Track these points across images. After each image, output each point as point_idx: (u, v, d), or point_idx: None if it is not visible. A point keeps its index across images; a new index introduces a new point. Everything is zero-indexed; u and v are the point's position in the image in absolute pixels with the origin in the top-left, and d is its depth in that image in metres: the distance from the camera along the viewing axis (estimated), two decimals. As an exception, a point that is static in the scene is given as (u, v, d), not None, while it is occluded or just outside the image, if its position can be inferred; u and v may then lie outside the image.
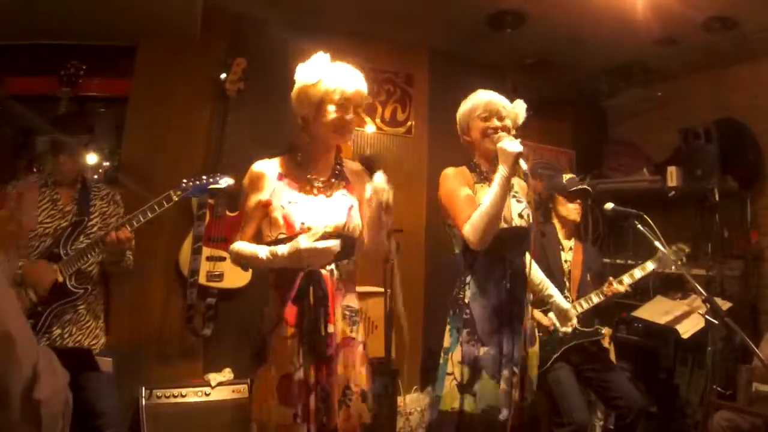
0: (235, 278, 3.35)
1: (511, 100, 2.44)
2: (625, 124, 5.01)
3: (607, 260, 4.39)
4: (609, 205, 2.82)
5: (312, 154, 2.06)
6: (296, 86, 2.03)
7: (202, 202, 3.26)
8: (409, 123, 4.23)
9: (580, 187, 3.32)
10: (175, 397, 3.10)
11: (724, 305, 3.28)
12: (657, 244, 2.51)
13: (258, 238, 2.02)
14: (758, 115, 3.98)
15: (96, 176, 3.31)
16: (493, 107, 2.34)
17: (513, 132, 2.33)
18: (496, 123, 2.32)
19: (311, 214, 1.94)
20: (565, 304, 2.60)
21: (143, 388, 3.03)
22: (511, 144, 2.14)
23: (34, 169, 3.33)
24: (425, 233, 4.15)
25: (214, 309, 3.35)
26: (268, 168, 2.03)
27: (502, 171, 2.13)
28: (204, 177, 2.62)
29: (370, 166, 2.02)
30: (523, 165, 2.13)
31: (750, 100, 4.07)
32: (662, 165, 4.22)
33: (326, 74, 1.97)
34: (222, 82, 3.43)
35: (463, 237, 2.21)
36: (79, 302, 2.55)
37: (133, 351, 3.25)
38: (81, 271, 2.54)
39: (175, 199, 2.56)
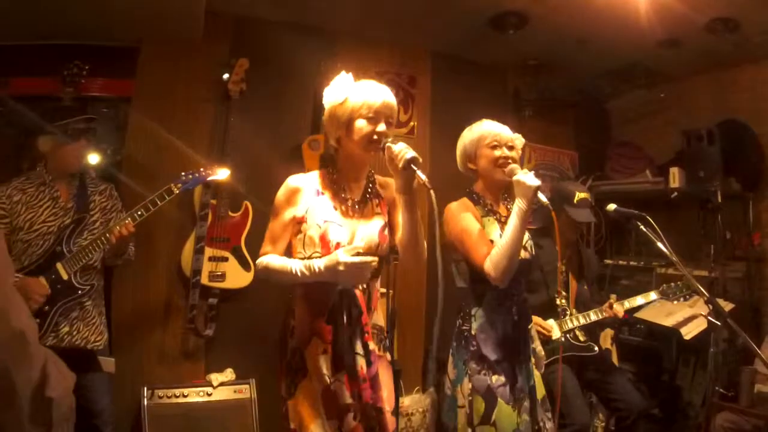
0: (237, 279, 3.36)
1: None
2: (628, 125, 5.01)
3: (609, 261, 4.40)
4: (612, 207, 2.81)
5: (346, 174, 2.04)
6: (326, 110, 2.00)
7: (204, 202, 3.27)
8: (412, 123, 4.23)
9: (585, 219, 3.16)
10: (177, 397, 3.10)
11: (727, 307, 3.28)
12: (659, 245, 2.51)
13: (288, 254, 1.99)
14: (761, 117, 3.97)
15: (93, 173, 3.32)
16: (502, 137, 2.33)
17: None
18: (506, 152, 2.31)
19: (346, 235, 1.92)
20: (541, 352, 2.59)
21: (145, 388, 3.04)
22: (529, 177, 2.12)
23: (38, 168, 3.34)
24: (428, 233, 4.15)
25: (216, 309, 3.35)
26: (305, 183, 1.99)
27: (520, 204, 2.11)
28: (202, 169, 2.73)
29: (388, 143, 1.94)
30: (543, 198, 2.12)
31: (753, 101, 4.06)
32: (665, 166, 4.23)
33: (351, 92, 1.94)
34: (224, 83, 3.44)
35: (475, 271, 2.22)
36: (84, 299, 2.56)
37: (135, 351, 3.26)
38: (86, 267, 2.56)
39: (176, 191, 2.65)
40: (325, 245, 1.90)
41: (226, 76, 3.44)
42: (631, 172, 4.47)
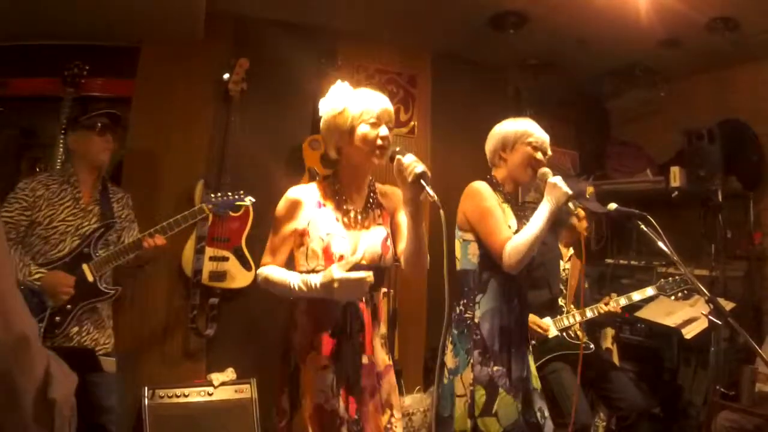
0: (238, 278, 3.36)
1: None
2: (628, 125, 5.00)
3: (610, 261, 4.39)
4: (612, 206, 2.81)
5: (348, 183, 2.02)
6: (323, 120, 1.98)
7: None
8: (412, 123, 4.23)
9: (602, 210, 3.21)
10: (177, 397, 3.10)
11: (727, 306, 3.27)
12: (660, 244, 2.50)
13: (289, 266, 1.97)
14: (761, 117, 3.97)
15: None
16: (543, 143, 2.36)
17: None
18: (541, 156, 2.34)
19: (349, 247, 1.90)
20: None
21: (146, 388, 3.04)
22: (564, 184, 2.17)
23: (37, 169, 3.35)
24: (427, 232, 4.15)
25: (217, 309, 3.35)
26: (305, 195, 1.97)
27: (550, 204, 2.15)
28: (229, 194, 2.81)
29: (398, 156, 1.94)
30: (572, 207, 2.16)
31: (753, 101, 4.06)
32: (665, 166, 4.22)
33: (350, 100, 1.93)
34: (225, 83, 3.45)
35: (486, 255, 2.23)
36: (100, 302, 2.58)
37: (137, 351, 3.26)
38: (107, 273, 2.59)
39: (207, 212, 2.74)
40: (329, 258, 1.87)
41: (226, 76, 3.44)
42: (631, 171, 4.47)
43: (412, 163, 1.77)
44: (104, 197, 2.67)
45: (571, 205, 2.15)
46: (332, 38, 3.90)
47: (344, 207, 1.97)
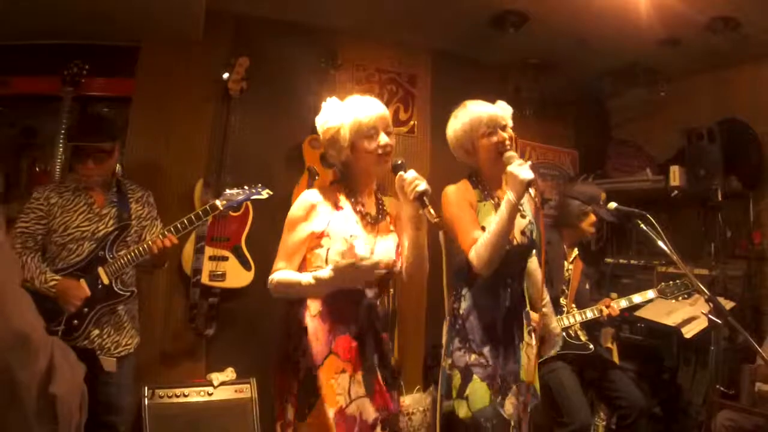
0: (238, 278, 3.36)
1: (513, 103, 2.37)
2: (628, 124, 5.00)
3: (610, 260, 4.39)
4: (612, 205, 2.81)
5: (358, 189, 2.05)
6: (323, 137, 2.01)
7: (205, 201, 3.26)
8: (412, 122, 4.23)
9: (612, 219, 3.22)
10: (177, 396, 3.10)
11: (727, 305, 3.28)
12: (660, 243, 2.51)
13: (302, 269, 1.97)
14: (761, 116, 3.96)
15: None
16: (495, 121, 2.22)
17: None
18: (502, 135, 2.22)
19: (369, 251, 1.93)
20: (556, 329, 2.51)
21: (146, 388, 3.04)
22: (522, 170, 2.03)
23: (37, 169, 3.35)
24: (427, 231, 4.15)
25: (216, 308, 3.35)
26: (322, 198, 1.98)
27: (510, 197, 2.03)
28: (246, 187, 2.74)
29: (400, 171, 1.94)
30: (532, 192, 2.08)
31: (753, 101, 4.06)
32: (665, 165, 4.22)
33: (345, 115, 1.96)
34: (225, 82, 3.44)
35: (464, 256, 2.17)
36: (119, 304, 2.58)
37: (136, 350, 3.25)
38: (124, 274, 2.59)
39: (220, 208, 2.66)
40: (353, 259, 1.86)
41: (226, 75, 3.43)
42: (631, 170, 4.47)
43: (415, 181, 1.85)
44: (121, 198, 2.66)
45: (531, 191, 2.04)
46: (332, 37, 3.90)
47: (360, 210, 2.01)
